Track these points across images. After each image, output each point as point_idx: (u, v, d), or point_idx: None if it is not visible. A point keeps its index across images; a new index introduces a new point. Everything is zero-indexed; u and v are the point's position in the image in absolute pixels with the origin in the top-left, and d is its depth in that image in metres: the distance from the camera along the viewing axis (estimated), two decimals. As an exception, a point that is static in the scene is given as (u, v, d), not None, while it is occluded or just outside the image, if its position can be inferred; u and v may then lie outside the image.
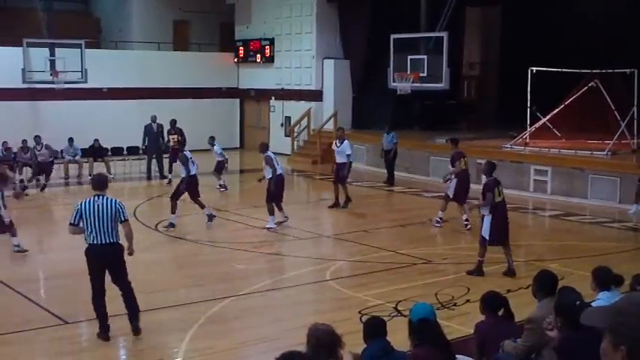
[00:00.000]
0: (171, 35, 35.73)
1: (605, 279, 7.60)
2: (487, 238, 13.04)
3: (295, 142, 31.14)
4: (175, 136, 23.62)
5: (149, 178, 25.13)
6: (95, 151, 25.74)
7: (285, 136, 31.44)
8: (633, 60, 21.72)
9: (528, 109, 23.40)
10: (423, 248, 15.22)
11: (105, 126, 28.10)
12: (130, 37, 34.40)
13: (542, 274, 7.44)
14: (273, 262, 14.69)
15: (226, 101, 34.27)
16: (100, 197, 9.80)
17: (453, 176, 17.28)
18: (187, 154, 17.28)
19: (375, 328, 6.57)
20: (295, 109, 31.75)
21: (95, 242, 9.67)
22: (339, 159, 19.33)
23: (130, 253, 10.22)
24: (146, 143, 25.54)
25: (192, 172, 17.18)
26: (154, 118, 25.60)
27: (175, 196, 17.14)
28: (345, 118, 29.96)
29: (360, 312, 10.63)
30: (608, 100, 21.88)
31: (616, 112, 21.95)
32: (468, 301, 11.25)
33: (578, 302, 6.12)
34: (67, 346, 9.76)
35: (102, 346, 9.75)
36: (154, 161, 25.19)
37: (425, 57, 24.52)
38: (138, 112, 30.39)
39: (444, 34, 23.90)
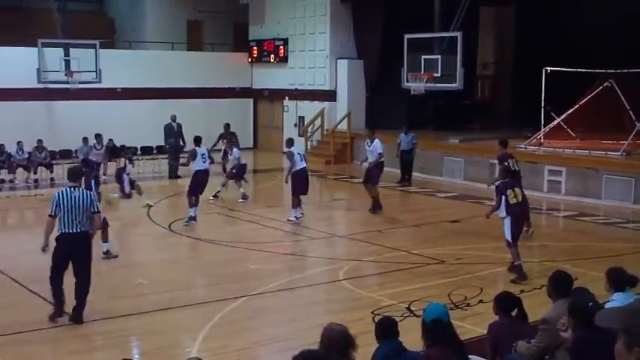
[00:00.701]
0: (185, 35, 35.80)
1: (619, 280, 7.56)
2: (510, 240, 12.90)
3: (309, 142, 31.14)
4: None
5: (171, 177, 25.24)
6: (109, 151, 25.81)
7: (299, 136, 31.43)
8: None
9: (542, 109, 23.34)
10: (436, 248, 15.19)
11: (119, 126, 28.17)
12: (144, 37, 34.50)
13: (557, 275, 7.40)
14: (286, 262, 14.70)
15: (240, 101, 34.29)
16: (76, 189, 10.27)
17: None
18: (199, 149, 18.00)
19: (386, 329, 6.55)
20: (309, 109, 31.75)
21: (68, 231, 10.13)
22: (371, 158, 19.20)
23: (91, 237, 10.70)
24: (166, 143, 25.67)
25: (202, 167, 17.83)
26: (173, 118, 25.74)
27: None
28: (359, 118, 29.95)
29: (373, 312, 10.62)
30: (623, 100, 21.81)
31: (631, 112, 21.88)
32: (481, 301, 11.23)
33: (591, 303, 6.10)
34: (79, 345, 9.79)
35: (114, 345, 9.78)
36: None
37: (439, 57, 24.47)
38: (152, 112, 30.53)
39: (458, 34, 23.85)
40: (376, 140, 19.20)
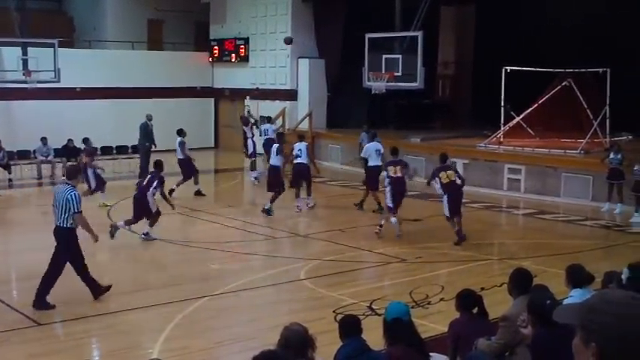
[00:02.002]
0: (146, 34, 35.54)
1: (578, 277, 7.65)
2: (448, 214, 15.66)
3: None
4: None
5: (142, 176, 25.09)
6: (68, 151, 25.56)
7: (260, 135, 31.36)
8: (606, 59, 21.92)
9: (502, 108, 23.54)
10: (398, 247, 15.25)
11: (78, 126, 27.86)
12: (104, 36, 34.19)
13: (518, 273, 7.47)
14: (248, 261, 14.66)
15: (201, 101, 34.15)
16: (62, 184, 11.29)
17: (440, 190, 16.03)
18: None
19: (350, 327, 6.55)
20: (270, 108, 31.65)
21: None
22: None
23: (95, 240, 11.74)
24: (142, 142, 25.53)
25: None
26: (149, 117, 25.59)
27: None
28: (320, 118, 29.98)
29: (334, 311, 10.63)
30: (581, 99, 22.07)
31: (589, 111, 22.14)
32: (442, 299, 11.30)
33: (549, 301, 6.17)
34: (40, 348, 9.68)
35: (75, 347, 9.70)
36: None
37: (400, 56, 24.53)
38: (112, 112, 30.30)
39: (419, 34, 23.94)
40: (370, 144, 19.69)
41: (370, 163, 19.28)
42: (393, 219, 16.18)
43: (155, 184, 15.89)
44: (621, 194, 18.72)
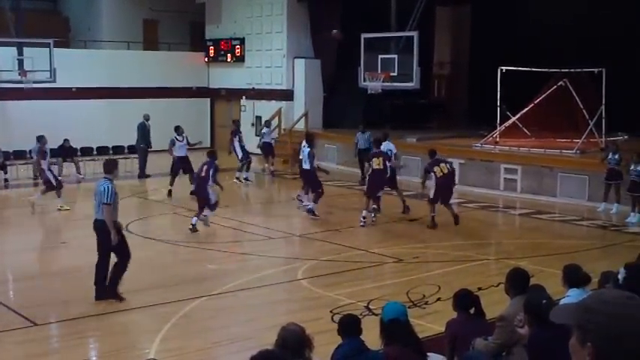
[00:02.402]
0: (141, 34, 35.51)
1: (574, 277, 7.66)
2: (432, 198, 17.25)
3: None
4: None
5: (141, 176, 25.13)
6: (65, 151, 25.53)
7: (256, 135, 31.36)
8: (601, 59, 21.92)
9: (498, 108, 23.57)
10: (394, 247, 15.27)
11: (74, 126, 27.87)
12: (100, 36, 34.15)
13: (514, 273, 7.48)
14: (244, 261, 14.66)
15: (197, 101, 34.14)
16: (102, 179, 11.51)
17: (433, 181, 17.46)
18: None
19: (349, 327, 6.54)
20: (266, 108, 31.70)
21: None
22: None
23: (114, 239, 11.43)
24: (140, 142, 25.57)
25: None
26: (146, 117, 25.60)
27: None
28: (316, 118, 29.99)
29: (331, 311, 10.64)
30: (577, 99, 22.08)
31: (584, 111, 22.15)
32: (439, 299, 11.31)
33: (545, 301, 6.18)
34: (37, 348, 9.68)
35: (71, 347, 9.70)
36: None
37: (395, 56, 24.58)
38: (107, 112, 30.28)
39: (415, 34, 23.98)
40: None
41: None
42: (367, 210, 17.47)
43: (212, 172, 16.78)
44: (619, 194, 18.75)
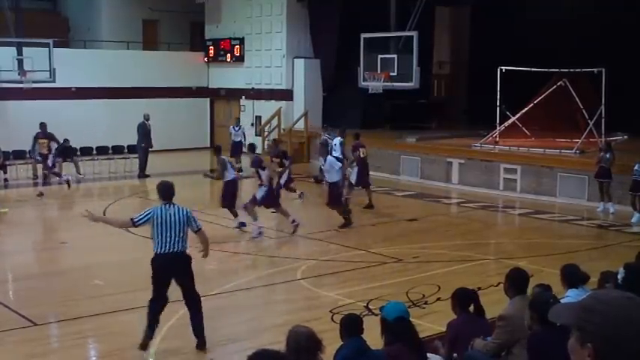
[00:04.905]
0: (141, 34, 35.50)
1: (573, 276, 7.67)
2: (353, 183, 18.64)
3: (266, 142, 31.07)
4: (46, 141, 22.99)
5: (140, 176, 25.13)
6: (65, 151, 25.52)
7: (256, 135, 31.37)
8: (601, 59, 21.93)
9: (498, 108, 23.57)
10: (394, 247, 15.27)
11: (74, 126, 27.85)
12: (99, 36, 34.14)
13: (514, 272, 7.49)
14: (244, 261, 14.67)
15: (196, 101, 34.13)
16: (170, 206, 9.56)
17: (354, 164, 19.34)
18: (224, 158, 17.45)
19: (351, 327, 6.53)
20: (266, 108, 31.71)
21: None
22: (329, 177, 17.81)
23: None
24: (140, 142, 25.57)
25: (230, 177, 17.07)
26: (147, 117, 25.62)
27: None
28: (316, 118, 29.98)
29: (331, 311, 10.64)
30: (577, 99, 22.09)
31: (584, 111, 22.16)
32: (438, 299, 11.31)
33: (551, 300, 6.18)
34: (37, 348, 9.68)
35: (71, 347, 9.69)
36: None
37: (395, 56, 24.58)
38: (107, 111, 30.27)
39: (414, 34, 23.98)
40: (329, 157, 18.25)
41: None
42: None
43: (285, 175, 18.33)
44: (609, 193, 18.77)
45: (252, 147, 17.88)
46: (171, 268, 9.61)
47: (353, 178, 19.17)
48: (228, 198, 17.09)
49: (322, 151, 21.46)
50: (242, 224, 17.01)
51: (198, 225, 9.80)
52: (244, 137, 26.88)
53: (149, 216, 9.46)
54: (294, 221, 16.63)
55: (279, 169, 18.92)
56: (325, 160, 18.19)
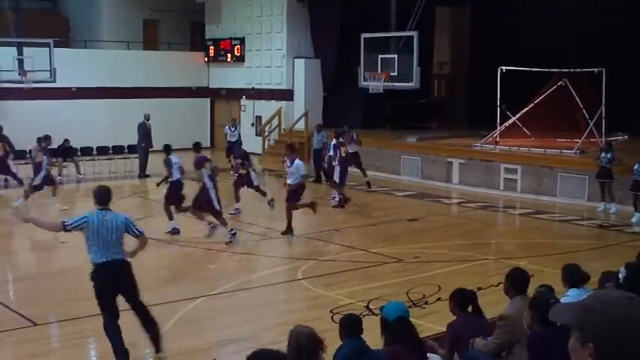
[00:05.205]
0: (141, 34, 35.50)
1: (573, 276, 7.67)
2: (338, 181, 19.38)
3: (266, 142, 31.10)
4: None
5: (141, 176, 25.16)
6: (65, 151, 25.53)
7: (256, 135, 31.38)
8: (601, 59, 21.93)
9: (498, 108, 23.56)
10: (394, 247, 15.26)
11: (74, 126, 27.86)
12: (100, 36, 34.14)
13: (515, 272, 7.48)
14: (244, 261, 14.66)
15: (197, 101, 34.13)
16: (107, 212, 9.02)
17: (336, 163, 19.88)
18: (173, 158, 16.94)
19: (351, 327, 6.53)
20: (266, 108, 31.71)
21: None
22: (291, 180, 17.01)
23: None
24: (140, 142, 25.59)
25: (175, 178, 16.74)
26: (147, 117, 25.64)
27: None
28: (316, 118, 29.95)
29: (331, 311, 10.63)
30: (577, 99, 22.09)
31: (584, 111, 22.15)
32: (439, 299, 11.30)
33: (552, 300, 6.18)
34: (37, 348, 9.67)
35: (72, 347, 9.69)
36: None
37: (395, 56, 24.58)
38: (107, 111, 30.27)
39: (414, 34, 23.97)
40: (297, 161, 17.02)
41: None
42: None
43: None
44: (611, 193, 18.77)
45: (197, 146, 17.00)
46: (115, 279, 8.97)
47: (336, 177, 19.60)
48: (171, 199, 16.64)
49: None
50: (175, 230, 16.46)
51: (138, 230, 9.21)
52: (240, 138, 26.86)
53: (83, 222, 8.83)
54: (210, 223, 15.86)
55: (243, 172, 18.74)
56: (292, 163, 16.87)
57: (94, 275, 8.88)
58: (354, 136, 22.27)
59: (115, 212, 9.11)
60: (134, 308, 9.19)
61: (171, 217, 16.57)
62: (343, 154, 19.93)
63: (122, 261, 9.01)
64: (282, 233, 16.51)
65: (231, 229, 15.72)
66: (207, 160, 16.43)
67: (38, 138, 21.50)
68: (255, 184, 19.16)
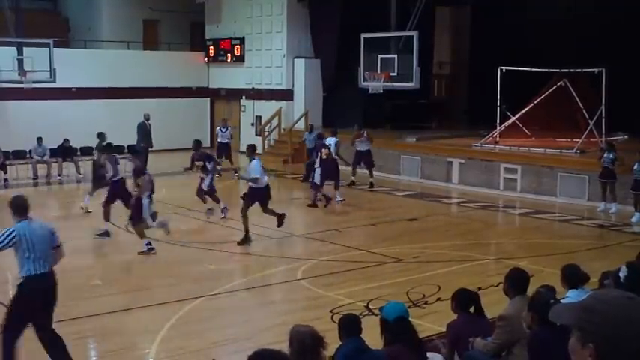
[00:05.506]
0: (141, 34, 35.51)
1: (573, 276, 7.67)
2: (318, 183, 19.47)
3: (266, 142, 31.10)
4: None
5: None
6: (65, 151, 25.54)
7: (256, 135, 31.37)
8: (601, 59, 21.93)
9: (498, 108, 23.57)
10: (394, 247, 15.26)
11: (74, 126, 27.85)
12: (99, 36, 34.15)
13: (514, 272, 7.48)
14: (244, 261, 14.67)
15: (197, 101, 34.13)
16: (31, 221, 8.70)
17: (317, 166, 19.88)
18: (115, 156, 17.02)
19: (350, 326, 6.53)
20: (266, 108, 31.71)
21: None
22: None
23: None
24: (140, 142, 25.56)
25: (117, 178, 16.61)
26: (147, 117, 25.64)
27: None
28: (316, 118, 29.97)
29: (331, 311, 10.63)
30: (577, 99, 22.09)
31: (584, 111, 22.16)
32: (439, 299, 11.30)
33: (552, 300, 6.17)
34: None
35: (71, 347, 9.66)
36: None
37: (395, 56, 24.59)
38: (107, 111, 30.26)
39: (414, 34, 23.98)
40: (253, 161, 15.88)
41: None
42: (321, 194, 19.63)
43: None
44: (613, 194, 18.76)
45: (134, 150, 16.98)
46: (45, 292, 8.53)
47: (317, 179, 19.67)
48: (109, 199, 16.56)
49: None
50: (106, 233, 16.23)
51: (58, 241, 8.70)
52: (231, 139, 26.71)
53: (14, 238, 8.47)
54: (149, 244, 14.87)
55: (202, 175, 18.51)
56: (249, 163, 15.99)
57: (26, 287, 8.48)
58: (366, 135, 22.95)
59: (39, 221, 8.79)
60: (43, 330, 8.51)
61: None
62: (324, 157, 19.96)
63: (54, 273, 8.57)
64: (238, 243, 15.55)
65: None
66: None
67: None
68: (205, 189, 18.43)
